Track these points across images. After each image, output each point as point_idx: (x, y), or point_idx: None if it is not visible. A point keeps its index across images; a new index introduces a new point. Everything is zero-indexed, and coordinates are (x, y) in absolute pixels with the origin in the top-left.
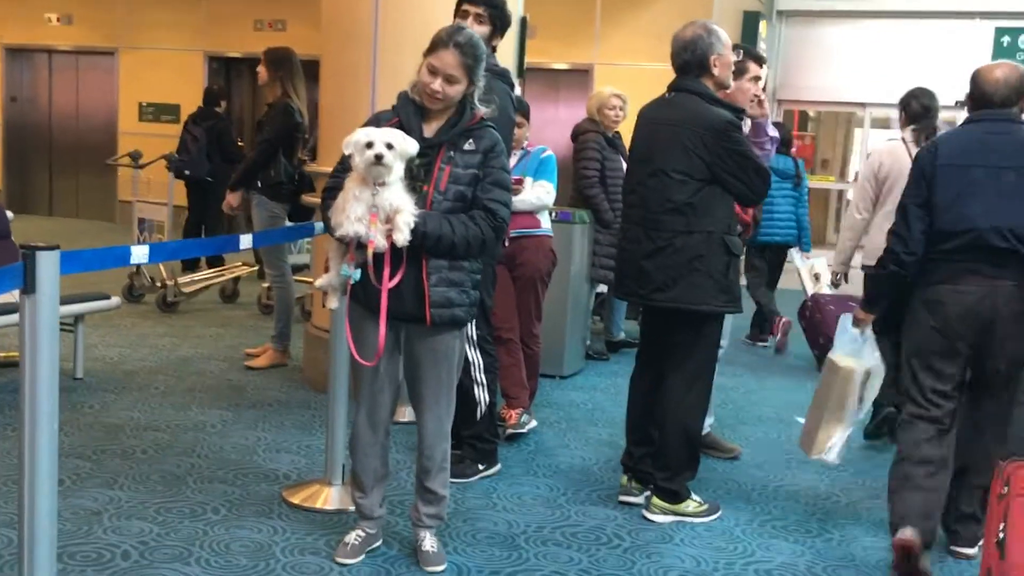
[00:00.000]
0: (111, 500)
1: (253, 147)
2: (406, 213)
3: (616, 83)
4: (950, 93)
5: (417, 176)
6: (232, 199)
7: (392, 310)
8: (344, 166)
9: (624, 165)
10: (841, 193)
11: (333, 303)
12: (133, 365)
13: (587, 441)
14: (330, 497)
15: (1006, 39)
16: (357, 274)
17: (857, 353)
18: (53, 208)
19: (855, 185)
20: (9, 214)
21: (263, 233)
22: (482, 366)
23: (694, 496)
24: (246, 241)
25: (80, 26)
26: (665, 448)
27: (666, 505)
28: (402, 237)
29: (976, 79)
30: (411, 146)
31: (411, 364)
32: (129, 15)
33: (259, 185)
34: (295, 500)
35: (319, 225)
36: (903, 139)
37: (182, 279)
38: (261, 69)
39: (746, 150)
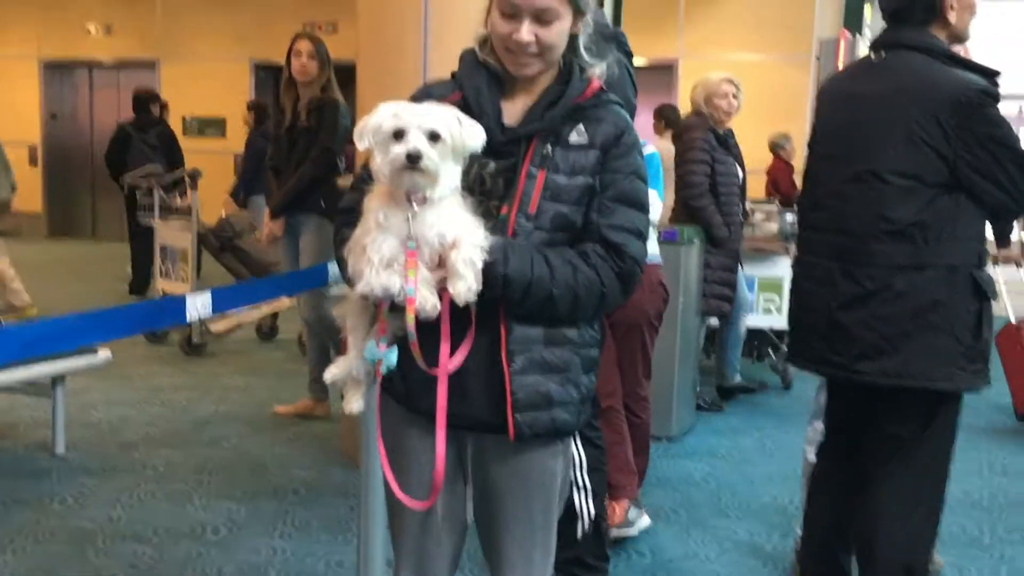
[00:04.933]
0: None
1: (293, 161)
2: (468, 246)
3: None
4: None
5: (492, 190)
6: (276, 227)
7: (452, 414)
8: (369, 172)
9: (739, 170)
10: None
11: (355, 404)
12: (134, 433)
13: (720, 544)
14: None
15: None
16: (392, 357)
17: None
18: (97, 232)
19: None
20: None
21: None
22: (585, 464)
23: None
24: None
25: (120, 36)
26: None
27: None
28: (464, 286)
29: None
30: (472, 135)
31: (486, 500)
32: (169, 21)
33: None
34: None
35: (334, 268)
36: None
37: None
38: (309, 62)
39: (1009, 136)
